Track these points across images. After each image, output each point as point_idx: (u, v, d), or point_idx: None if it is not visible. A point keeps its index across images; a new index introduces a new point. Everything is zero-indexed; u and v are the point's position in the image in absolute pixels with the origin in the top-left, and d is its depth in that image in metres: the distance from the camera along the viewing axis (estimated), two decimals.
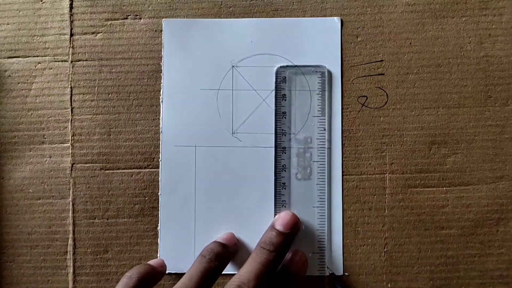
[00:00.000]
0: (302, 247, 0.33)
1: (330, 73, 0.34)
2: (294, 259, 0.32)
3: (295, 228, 0.32)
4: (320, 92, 0.34)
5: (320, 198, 0.33)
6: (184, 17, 0.35)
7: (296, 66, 0.34)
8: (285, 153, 0.33)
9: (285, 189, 0.33)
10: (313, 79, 0.34)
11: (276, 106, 0.34)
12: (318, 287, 0.33)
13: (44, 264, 0.34)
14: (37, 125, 0.35)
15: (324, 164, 0.33)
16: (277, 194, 0.33)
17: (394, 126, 0.34)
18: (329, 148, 0.34)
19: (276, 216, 0.33)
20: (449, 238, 0.34)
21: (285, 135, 0.34)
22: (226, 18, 0.35)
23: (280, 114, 0.34)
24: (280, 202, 0.33)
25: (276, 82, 0.34)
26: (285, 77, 0.34)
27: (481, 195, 0.34)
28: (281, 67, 0.34)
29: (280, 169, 0.33)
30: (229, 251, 0.31)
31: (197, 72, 0.35)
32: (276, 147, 0.33)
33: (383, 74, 0.34)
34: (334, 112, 0.34)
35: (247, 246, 0.34)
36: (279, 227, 0.31)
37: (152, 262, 0.31)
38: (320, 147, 0.33)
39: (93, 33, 0.35)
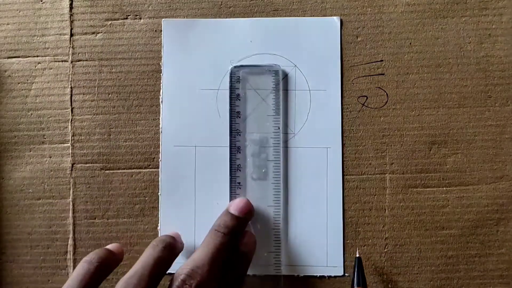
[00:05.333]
0: (258, 246, 0.32)
1: (284, 72, 0.34)
2: (243, 240, 0.32)
3: (249, 213, 0.32)
4: (274, 92, 0.34)
5: (275, 198, 0.33)
6: (184, 17, 0.35)
7: (250, 66, 0.34)
8: (240, 152, 0.33)
9: (240, 188, 0.33)
10: (267, 78, 0.34)
11: (230, 105, 0.34)
12: (273, 286, 0.33)
13: (44, 264, 0.34)
14: (37, 125, 0.35)
15: (279, 164, 0.33)
16: (232, 194, 0.33)
17: (394, 126, 0.34)
18: (329, 148, 0.34)
19: (231, 202, 0.33)
20: (450, 238, 0.34)
21: (240, 135, 0.33)
22: (226, 18, 0.35)
23: (235, 114, 0.34)
24: None
25: (230, 82, 0.34)
26: (239, 76, 0.34)
27: (481, 195, 0.34)
28: (235, 67, 0.34)
29: (235, 169, 0.33)
30: (177, 245, 0.32)
31: (196, 72, 0.34)
32: (231, 147, 0.33)
33: (383, 74, 0.34)
34: (334, 112, 0.34)
35: None
36: (233, 211, 0.31)
37: (110, 247, 0.31)
38: (275, 147, 0.33)
39: (93, 33, 0.35)
